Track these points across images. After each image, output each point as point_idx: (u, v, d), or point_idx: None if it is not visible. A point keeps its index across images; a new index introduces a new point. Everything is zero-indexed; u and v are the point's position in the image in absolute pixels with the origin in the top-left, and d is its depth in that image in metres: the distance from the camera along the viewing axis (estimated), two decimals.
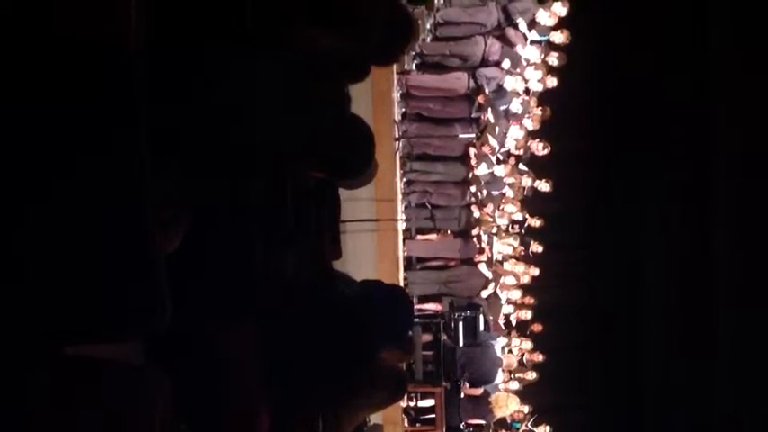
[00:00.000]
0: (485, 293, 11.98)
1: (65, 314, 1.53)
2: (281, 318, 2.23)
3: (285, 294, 2.48)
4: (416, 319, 10.95)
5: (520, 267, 12.42)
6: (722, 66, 13.85)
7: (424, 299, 12.00)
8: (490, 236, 12.12)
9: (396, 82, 11.10)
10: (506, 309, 12.57)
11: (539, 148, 12.11)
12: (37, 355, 1.55)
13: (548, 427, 12.65)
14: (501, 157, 12.13)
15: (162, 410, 1.62)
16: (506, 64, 11.57)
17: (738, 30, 13.49)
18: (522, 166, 12.43)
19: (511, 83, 11.63)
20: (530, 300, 12.86)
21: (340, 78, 2.75)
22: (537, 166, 12.58)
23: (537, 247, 12.90)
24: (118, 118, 1.56)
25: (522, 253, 12.71)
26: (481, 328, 11.61)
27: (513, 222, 12.74)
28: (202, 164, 2.03)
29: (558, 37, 11.84)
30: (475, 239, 12.08)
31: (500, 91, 11.70)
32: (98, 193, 1.52)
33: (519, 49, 11.72)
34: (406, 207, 11.67)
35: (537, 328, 13.10)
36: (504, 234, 12.42)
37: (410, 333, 4.35)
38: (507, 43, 11.70)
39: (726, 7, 13.59)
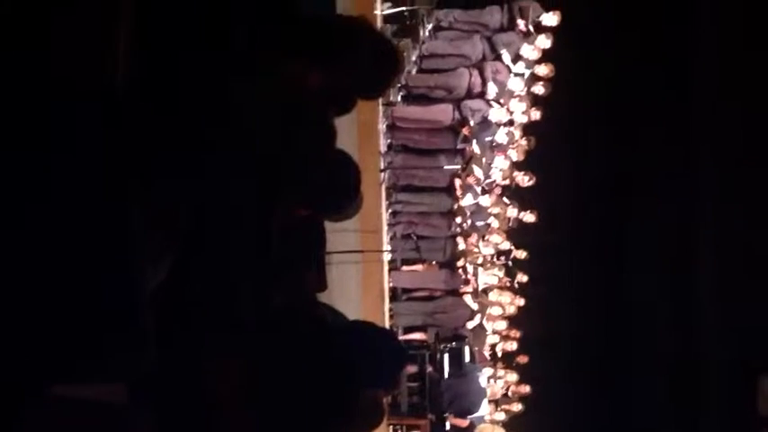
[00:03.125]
0: (470, 324, 11.95)
1: (49, 354, 1.52)
2: (266, 353, 2.21)
3: (271, 329, 2.46)
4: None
5: (506, 298, 12.40)
6: (703, 91, 13.98)
7: (410, 330, 11.96)
8: (476, 267, 12.11)
9: (381, 113, 11.13)
10: (492, 339, 12.53)
11: (523, 180, 12.17)
12: (21, 395, 1.54)
13: None
14: (486, 188, 12.16)
15: None
16: (492, 90, 11.60)
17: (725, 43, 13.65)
18: (505, 199, 12.46)
19: (496, 114, 11.67)
20: (516, 333, 12.83)
21: (326, 112, 2.75)
22: (523, 198, 12.60)
23: (522, 278, 12.90)
24: (105, 161, 1.55)
25: (508, 284, 12.70)
26: (467, 359, 11.58)
27: (499, 253, 12.74)
28: (188, 197, 2.02)
29: (543, 70, 11.93)
30: (460, 270, 12.07)
31: (485, 123, 11.74)
32: (84, 234, 1.51)
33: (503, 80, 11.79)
34: (391, 238, 11.67)
35: (523, 359, 13.07)
36: (489, 265, 12.42)
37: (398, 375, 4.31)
38: (492, 75, 11.76)
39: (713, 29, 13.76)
